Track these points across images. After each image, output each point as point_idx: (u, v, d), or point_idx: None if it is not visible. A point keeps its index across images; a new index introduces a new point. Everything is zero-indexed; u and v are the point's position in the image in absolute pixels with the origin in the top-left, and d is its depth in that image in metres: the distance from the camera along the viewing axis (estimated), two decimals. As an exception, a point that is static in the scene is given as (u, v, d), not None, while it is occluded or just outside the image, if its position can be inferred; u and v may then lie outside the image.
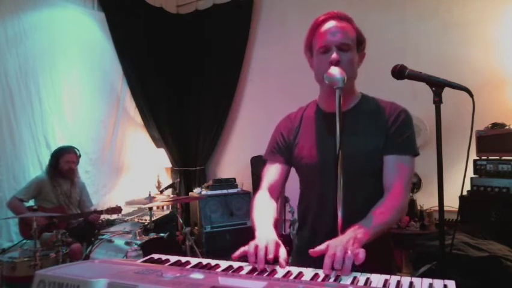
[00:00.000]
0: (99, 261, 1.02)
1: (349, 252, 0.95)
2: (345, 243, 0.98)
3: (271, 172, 1.42)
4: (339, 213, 1.13)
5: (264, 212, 1.28)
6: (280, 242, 1.08)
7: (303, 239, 1.42)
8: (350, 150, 1.20)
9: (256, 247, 1.02)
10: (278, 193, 1.41)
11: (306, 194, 1.42)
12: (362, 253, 0.94)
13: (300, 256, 1.03)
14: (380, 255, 1.12)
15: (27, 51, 3.78)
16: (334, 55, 1.22)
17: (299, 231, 1.46)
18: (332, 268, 0.93)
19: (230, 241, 4.30)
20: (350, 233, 1.04)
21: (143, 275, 0.84)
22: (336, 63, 1.21)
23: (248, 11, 4.81)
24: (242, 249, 1.05)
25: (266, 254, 1.01)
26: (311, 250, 1.02)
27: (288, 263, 1.02)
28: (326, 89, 1.31)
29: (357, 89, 1.38)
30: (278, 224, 1.31)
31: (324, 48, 1.26)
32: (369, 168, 1.28)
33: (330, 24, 1.27)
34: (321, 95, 1.40)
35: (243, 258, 1.04)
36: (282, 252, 1.04)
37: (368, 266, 0.94)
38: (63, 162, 3.50)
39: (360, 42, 1.31)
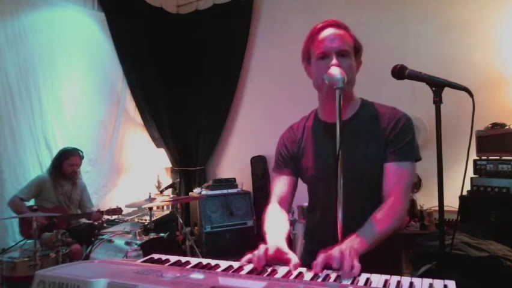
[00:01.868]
0: (99, 261, 1.02)
1: (346, 253, 0.95)
2: (341, 251, 0.98)
3: (279, 184, 1.42)
4: (339, 215, 1.12)
5: (274, 225, 1.28)
6: (287, 249, 1.08)
7: (309, 247, 1.43)
8: (351, 159, 1.20)
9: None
10: (288, 205, 1.42)
11: (313, 204, 1.43)
12: (356, 268, 0.93)
13: (305, 264, 1.03)
14: (386, 257, 1.12)
15: (27, 51, 3.78)
16: (334, 60, 1.22)
17: (306, 236, 1.49)
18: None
19: (230, 241, 4.30)
20: (347, 242, 1.04)
21: (143, 275, 0.84)
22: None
23: (248, 11, 4.80)
24: (247, 256, 1.05)
25: (266, 254, 1.02)
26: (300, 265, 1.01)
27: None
28: (325, 94, 1.29)
29: (356, 96, 1.37)
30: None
31: (323, 54, 1.26)
32: (370, 177, 1.27)
33: (329, 31, 1.27)
34: (320, 103, 1.39)
35: None
36: (293, 257, 1.03)
37: (373, 268, 0.94)
38: (67, 164, 3.50)
39: (357, 49, 1.31)
